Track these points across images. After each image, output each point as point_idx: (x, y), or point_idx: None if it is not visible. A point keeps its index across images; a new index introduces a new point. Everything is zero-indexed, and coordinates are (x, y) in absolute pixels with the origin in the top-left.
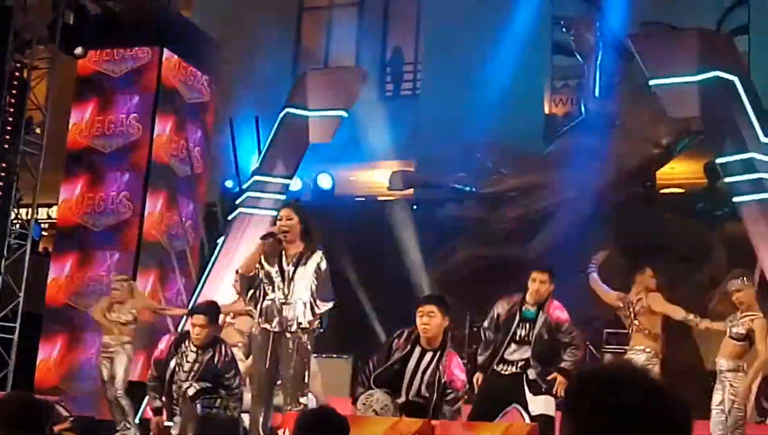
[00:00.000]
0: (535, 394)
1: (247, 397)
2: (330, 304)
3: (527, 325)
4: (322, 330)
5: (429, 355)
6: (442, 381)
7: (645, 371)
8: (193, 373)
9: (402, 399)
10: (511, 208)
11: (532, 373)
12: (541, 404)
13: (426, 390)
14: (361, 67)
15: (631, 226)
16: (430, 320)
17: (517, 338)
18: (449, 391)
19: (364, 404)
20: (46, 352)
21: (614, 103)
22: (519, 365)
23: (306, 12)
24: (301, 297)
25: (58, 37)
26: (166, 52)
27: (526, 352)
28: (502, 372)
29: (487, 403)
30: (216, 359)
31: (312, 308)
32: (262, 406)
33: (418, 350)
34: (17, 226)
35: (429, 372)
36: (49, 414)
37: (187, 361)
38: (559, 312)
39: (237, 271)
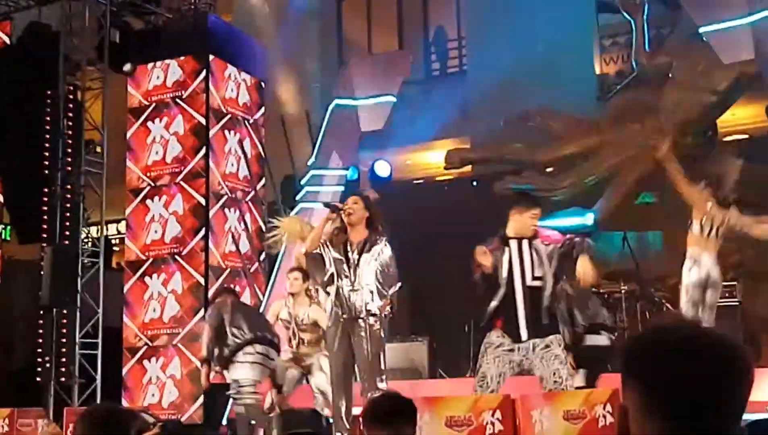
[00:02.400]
0: None
1: (328, 388)
2: (396, 287)
3: None
4: (392, 315)
5: None
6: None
7: (704, 328)
8: None
9: None
10: (572, 173)
11: None
12: None
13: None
14: (404, 50)
15: (697, 178)
16: None
17: None
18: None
19: None
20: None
21: (666, 55)
22: None
23: (345, 1)
24: (368, 283)
25: (106, 56)
26: (211, 58)
27: None
28: None
29: None
30: None
31: (380, 294)
32: (343, 394)
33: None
34: (88, 244)
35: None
36: (133, 421)
37: None
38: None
39: (304, 253)
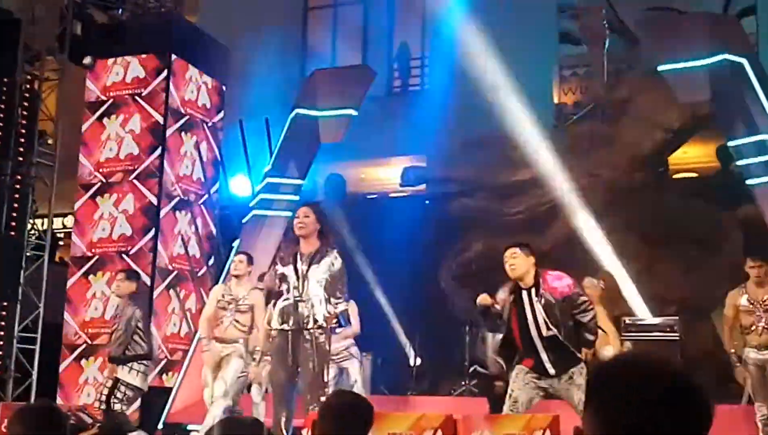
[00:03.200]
0: None
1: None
2: (343, 304)
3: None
4: (339, 329)
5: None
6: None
7: (668, 360)
8: None
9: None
10: (524, 198)
11: None
12: None
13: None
14: (368, 65)
15: (645, 213)
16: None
17: None
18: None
19: None
20: None
21: (623, 89)
22: None
23: (311, 11)
24: (316, 295)
25: (66, 48)
26: (173, 58)
27: None
28: None
29: None
30: None
31: (326, 306)
32: (284, 406)
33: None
34: (34, 237)
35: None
36: (65, 421)
37: None
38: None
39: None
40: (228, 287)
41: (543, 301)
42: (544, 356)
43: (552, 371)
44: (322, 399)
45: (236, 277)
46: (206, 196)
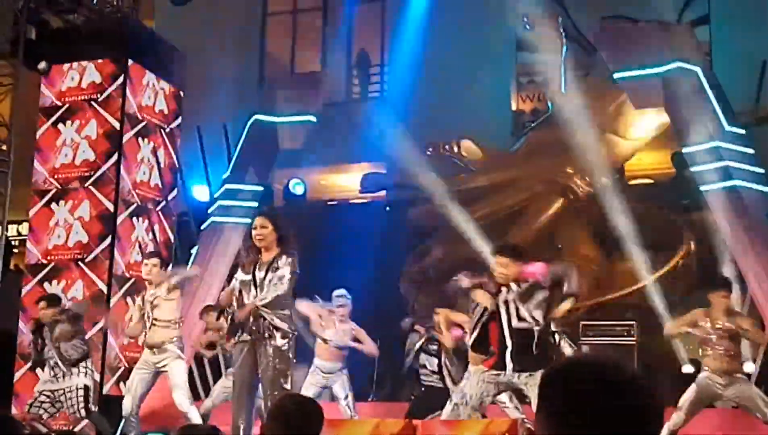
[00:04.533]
0: None
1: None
2: (286, 311)
3: None
4: (296, 333)
5: None
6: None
7: (619, 364)
8: None
9: None
10: (483, 205)
11: None
12: None
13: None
14: (326, 71)
15: (601, 218)
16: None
17: None
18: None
19: None
20: None
21: (580, 97)
22: None
23: (270, 17)
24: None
25: (20, 52)
26: (130, 63)
27: None
28: None
29: None
30: None
31: (287, 312)
32: (243, 412)
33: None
34: None
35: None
36: (21, 431)
37: None
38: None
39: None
40: (142, 296)
41: (517, 289)
42: (509, 351)
43: (510, 365)
44: None
45: (149, 282)
46: (164, 202)
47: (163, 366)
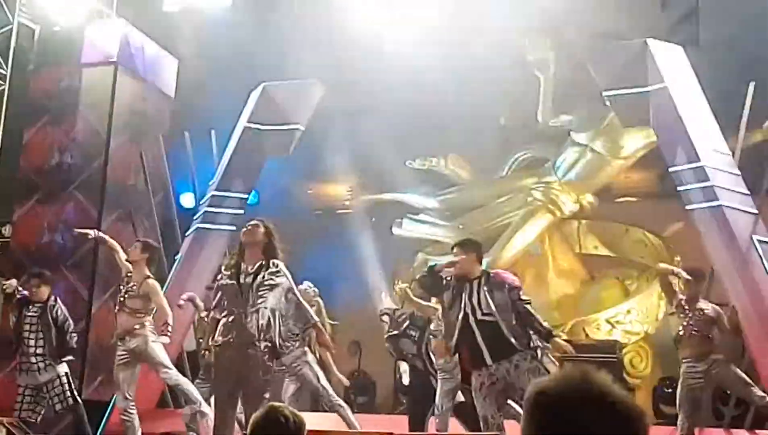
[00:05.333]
0: None
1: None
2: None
3: None
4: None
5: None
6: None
7: (605, 381)
8: None
9: None
10: (467, 218)
11: None
12: None
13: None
14: (318, 79)
15: (588, 236)
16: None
17: None
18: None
19: None
20: None
21: (570, 114)
22: None
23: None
24: (258, 309)
25: (11, 54)
26: (119, 68)
27: None
28: None
29: None
30: None
31: (269, 320)
32: (225, 420)
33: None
34: None
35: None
36: None
37: None
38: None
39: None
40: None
41: (488, 287)
42: (480, 343)
43: (489, 361)
44: None
45: (130, 262)
46: (150, 208)
47: (137, 347)
